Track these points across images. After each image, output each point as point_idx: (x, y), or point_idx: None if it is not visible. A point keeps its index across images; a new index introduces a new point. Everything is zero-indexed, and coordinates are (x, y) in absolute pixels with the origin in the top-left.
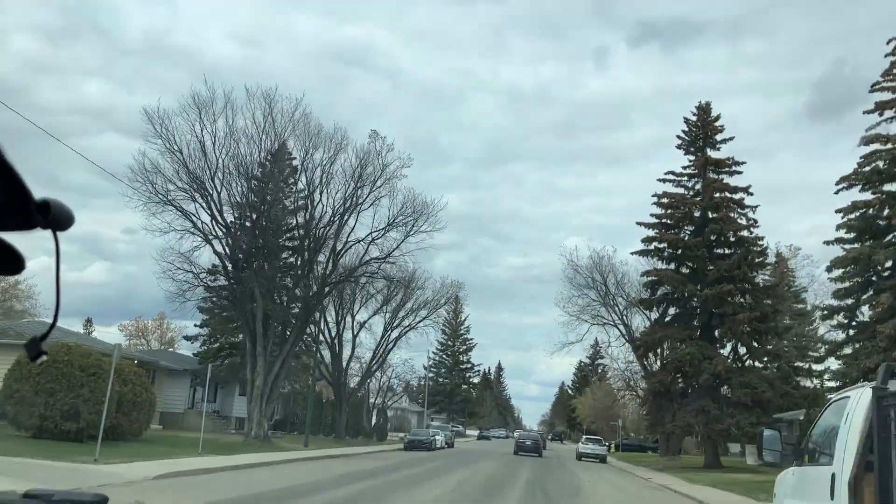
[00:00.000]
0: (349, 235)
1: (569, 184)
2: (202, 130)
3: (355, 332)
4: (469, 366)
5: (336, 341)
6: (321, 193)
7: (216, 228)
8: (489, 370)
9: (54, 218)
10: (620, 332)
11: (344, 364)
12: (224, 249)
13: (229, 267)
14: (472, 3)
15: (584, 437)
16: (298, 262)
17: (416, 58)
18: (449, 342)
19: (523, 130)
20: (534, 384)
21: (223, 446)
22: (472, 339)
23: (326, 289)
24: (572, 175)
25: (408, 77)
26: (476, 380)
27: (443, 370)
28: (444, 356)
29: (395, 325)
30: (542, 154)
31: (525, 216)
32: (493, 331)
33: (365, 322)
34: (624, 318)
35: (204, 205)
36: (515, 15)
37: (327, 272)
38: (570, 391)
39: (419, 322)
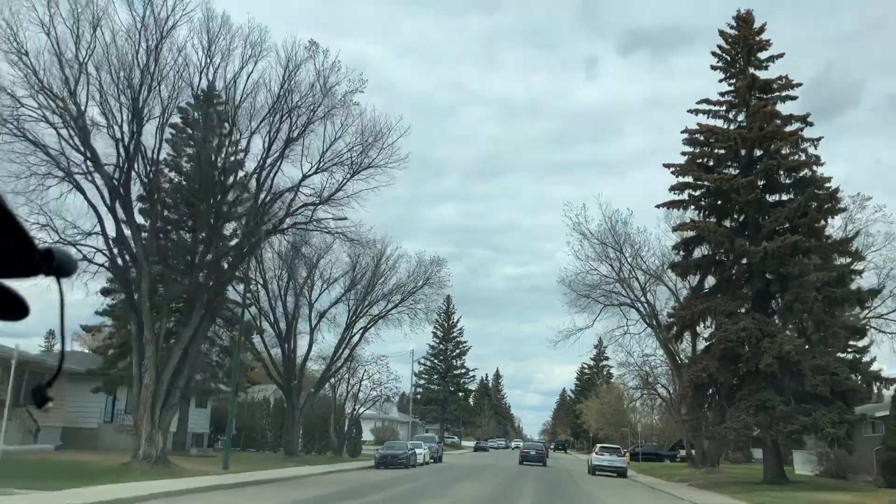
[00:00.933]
0: (275, 178)
1: (563, 193)
2: (52, 17)
3: (314, 324)
4: (463, 371)
5: (290, 335)
6: (232, 117)
7: (85, 164)
8: (487, 377)
9: (58, 265)
10: (640, 311)
11: (298, 363)
12: (101, 194)
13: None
14: (462, 16)
15: (599, 446)
16: (204, 211)
17: (409, 72)
18: (441, 346)
19: (516, 141)
20: (534, 393)
21: (90, 472)
22: (465, 343)
23: (247, 247)
24: (566, 185)
25: (400, 91)
26: (472, 386)
27: (434, 376)
28: (436, 361)
29: (360, 312)
30: (535, 164)
31: (520, 227)
32: (492, 341)
33: (325, 312)
34: (645, 294)
35: (67, 132)
36: (505, 27)
37: (248, 226)
38: (571, 397)
39: (391, 309)
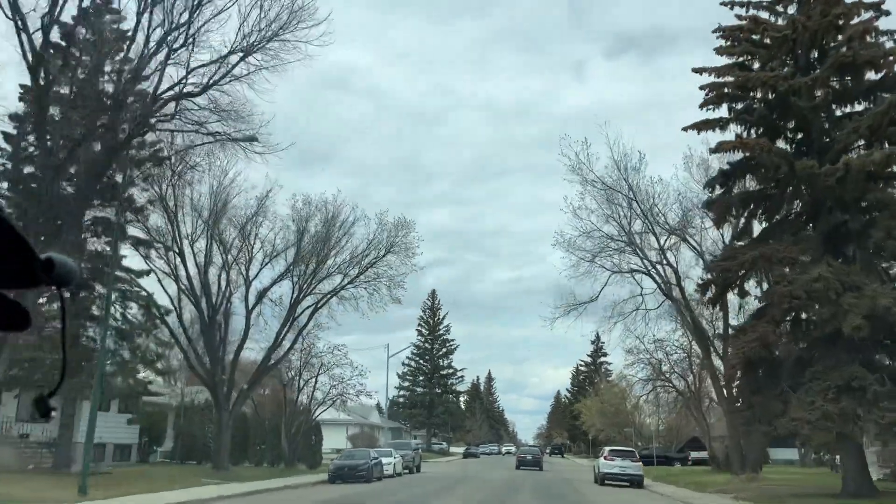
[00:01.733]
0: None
1: (554, 197)
2: None
3: (251, 306)
4: (450, 371)
5: (215, 318)
6: None
7: None
8: (478, 379)
9: (58, 274)
10: (656, 280)
11: (230, 353)
12: None
13: None
14: (451, 21)
15: (609, 450)
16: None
17: (398, 77)
18: (426, 344)
19: (507, 145)
20: (528, 397)
21: None
22: (452, 341)
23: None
24: (558, 187)
25: (390, 97)
26: (461, 387)
27: (420, 378)
28: (421, 361)
29: (308, 288)
30: (526, 168)
31: (512, 230)
32: (485, 345)
33: (267, 290)
34: (664, 256)
35: None
36: (494, 31)
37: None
38: (567, 399)
39: (347, 284)
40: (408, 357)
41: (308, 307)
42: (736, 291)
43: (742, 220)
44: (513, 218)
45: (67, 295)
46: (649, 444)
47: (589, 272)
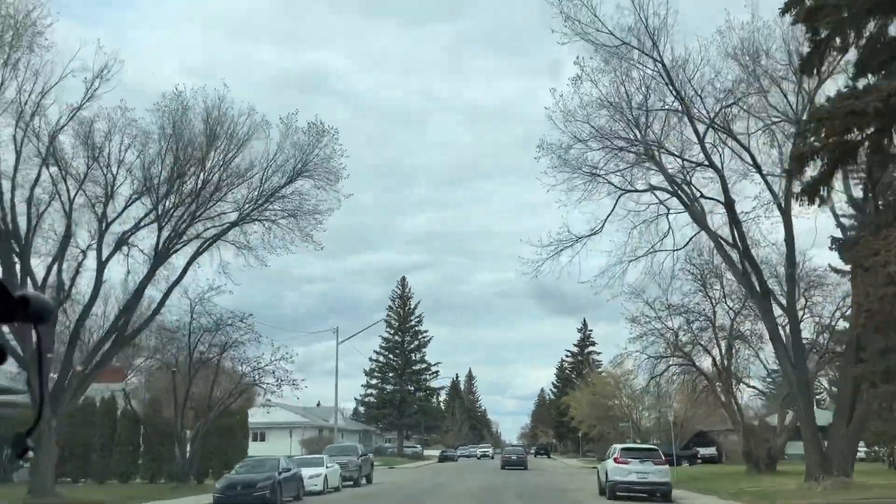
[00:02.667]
0: None
1: (535, 199)
2: None
3: (105, 257)
4: (423, 366)
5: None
6: None
7: None
8: (458, 377)
9: (34, 311)
10: (684, 200)
11: (68, 326)
12: None
13: None
14: (426, 24)
15: (621, 448)
16: None
17: (376, 81)
18: (395, 337)
19: (488, 147)
20: (511, 399)
21: None
22: (426, 333)
23: None
24: (538, 190)
25: (369, 101)
26: (435, 384)
27: (389, 374)
28: (391, 356)
29: (187, 225)
30: (507, 170)
31: (495, 232)
32: (468, 348)
33: (129, 235)
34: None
35: None
36: (471, 33)
37: None
38: (553, 394)
39: (244, 221)
40: (376, 351)
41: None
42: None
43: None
44: (495, 220)
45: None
46: (648, 439)
47: (588, 193)
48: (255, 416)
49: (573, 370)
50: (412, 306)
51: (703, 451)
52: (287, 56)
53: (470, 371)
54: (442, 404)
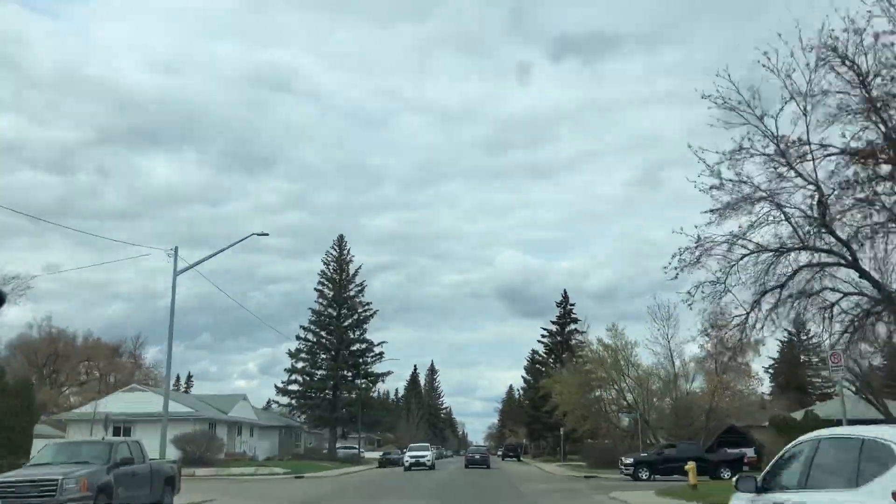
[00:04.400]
0: None
1: (501, 199)
2: None
3: None
4: (364, 346)
5: None
6: None
7: None
8: (416, 370)
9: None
10: None
11: None
12: None
13: None
14: (393, 24)
15: None
16: None
17: (341, 80)
18: (329, 310)
19: (453, 149)
20: (478, 400)
21: None
22: (369, 305)
23: None
24: (504, 191)
25: (334, 100)
26: (379, 368)
27: (321, 356)
28: (323, 334)
29: None
30: (473, 171)
31: (460, 234)
32: (435, 349)
33: None
34: None
35: None
36: (437, 34)
37: None
38: (524, 384)
39: None
40: (304, 327)
41: None
42: None
43: None
44: (460, 222)
45: None
46: (657, 438)
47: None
48: (116, 403)
49: (550, 353)
50: (350, 273)
51: (733, 451)
52: (252, 53)
53: (432, 364)
54: (400, 400)
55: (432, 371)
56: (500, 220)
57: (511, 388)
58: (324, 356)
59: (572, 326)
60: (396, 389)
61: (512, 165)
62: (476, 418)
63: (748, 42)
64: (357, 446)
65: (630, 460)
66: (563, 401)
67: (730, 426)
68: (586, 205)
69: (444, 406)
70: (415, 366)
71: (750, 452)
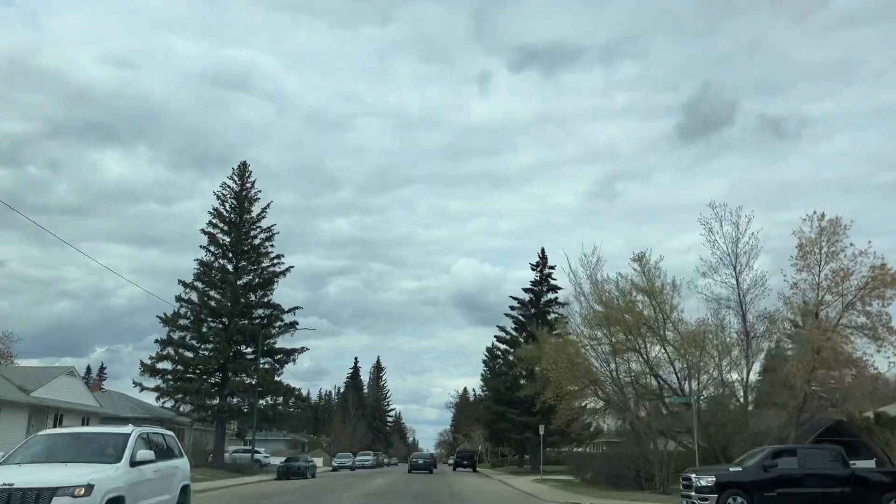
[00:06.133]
0: None
1: (459, 207)
2: None
3: None
4: (269, 314)
5: None
6: None
7: None
8: (357, 364)
9: None
10: None
11: None
12: None
13: None
14: (354, 27)
15: None
16: None
17: (301, 82)
18: (223, 260)
19: (412, 154)
20: (430, 407)
21: None
22: (279, 260)
23: None
24: (461, 198)
25: (292, 101)
26: (288, 342)
27: (208, 325)
28: (212, 294)
29: None
30: (431, 178)
31: (417, 240)
32: (388, 356)
33: None
34: None
35: None
36: (399, 40)
37: None
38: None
39: None
40: (184, 283)
41: None
42: None
43: None
44: (418, 228)
45: None
46: (724, 447)
47: None
48: None
49: (521, 330)
50: (255, 213)
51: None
52: (211, 50)
53: (378, 361)
54: (337, 398)
55: (378, 369)
56: (458, 227)
57: (465, 390)
58: (213, 325)
59: (551, 296)
60: (293, 358)
61: (470, 173)
62: (429, 426)
63: (702, 60)
64: (265, 451)
65: (708, 480)
66: (552, 372)
67: (835, 422)
68: (543, 215)
69: (390, 408)
70: (356, 359)
71: (872, 464)
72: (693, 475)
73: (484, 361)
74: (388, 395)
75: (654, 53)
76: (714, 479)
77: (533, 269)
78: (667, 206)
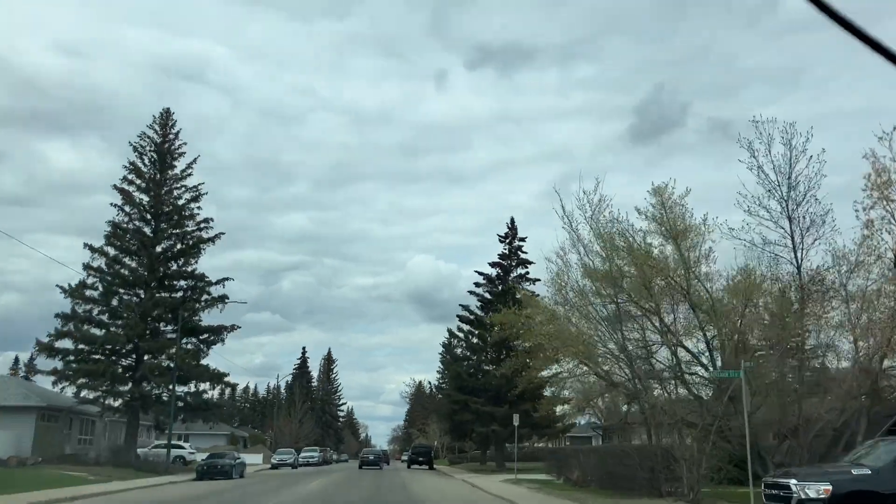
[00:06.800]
0: None
1: (414, 204)
2: None
3: None
4: (193, 286)
5: None
6: None
7: None
8: (305, 354)
9: None
10: None
11: None
12: None
13: None
14: (311, 20)
15: None
16: None
17: (256, 74)
18: (141, 222)
19: (368, 150)
20: (384, 404)
21: None
22: (206, 225)
23: None
24: (418, 195)
25: (247, 94)
26: (214, 317)
27: (120, 294)
28: (126, 262)
29: None
30: (387, 174)
31: (373, 236)
32: (343, 351)
33: None
34: None
35: None
36: (356, 34)
37: None
38: (435, 384)
39: None
40: (92, 248)
41: None
42: None
43: None
44: (373, 224)
45: None
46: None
47: None
48: None
49: (487, 308)
50: (180, 169)
51: None
52: (164, 41)
53: (329, 353)
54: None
55: (329, 361)
56: (414, 224)
57: (420, 384)
58: (126, 298)
59: (520, 271)
60: (222, 337)
61: (427, 170)
62: (382, 422)
63: (657, 63)
64: (188, 445)
65: (820, 489)
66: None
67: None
68: (499, 213)
69: (342, 402)
70: (303, 348)
71: None
72: (793, 481)
73: (442, 352)
74: (340, 388)
75: (609, 55)
76: (829, 486)
77: (501, 241)
78: (622, 207)
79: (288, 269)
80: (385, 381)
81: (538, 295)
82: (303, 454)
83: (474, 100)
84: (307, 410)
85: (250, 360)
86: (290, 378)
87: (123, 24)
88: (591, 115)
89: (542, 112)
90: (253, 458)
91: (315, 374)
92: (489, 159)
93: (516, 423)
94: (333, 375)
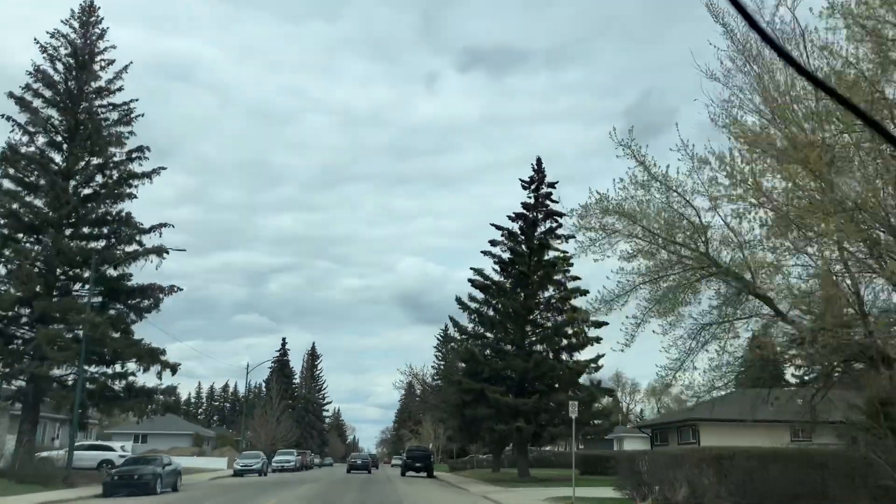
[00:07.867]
0: None
1: (403, 206)
2: None
3: None
4: (118, 229)
5: None
6: None
7: None
8: (285, 345)
9: None
10: None
11: None
12: None
13: None
14: (302, 22)
15: None
16: None
17: (246, 74)
18: (53, 136)
19: (357, 152)
20: (372, 406)
21: None
22: (145, 154)
23: None
24: (406, 197)
25: (237, 95)
26: (154, 263)
27: (14, 239)
28: (20, 196)
29: None
30: (376, 176)
31: (361, 238)
32: (332, 354)
33: None
34: None
35: None
36: (347, 36)
37: None
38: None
39: None
40: None
41: None
42: None
43: None
44: (362, 226)
45: None
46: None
47: None
48: None
49: (508, 270)
50: (104, 81)
51: None
52: (153, 40)
53: (313, 347)
54: (259, 387)
55: (313, 356)
56: (403, 226)
57: (411, 384)
58: (23, 244)
59: (549, 224)
60: (168, 292)
61: (416, 172)
62: (371, 425)
63: (645, 67)
64: (113, 447)
65: None
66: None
67: None
68: (487, 215)
69: (327, 402)
70: (283, 339)
71: None
72: None
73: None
74: (325, 387)
75: (597, 59)
76: None
77: (525, 188)
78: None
79: (276, 270)
80: (373, 383)
81: (571, 256)
82: (276, 458)
83: (463, 102)
84: (286, 408)
85: (237, 362)
86: (269, 372)
87: (112, 23)
88: (579, 119)
89: (530, 115)
90: (215, 463)
91: (297, 369)
92: (477, 162)
93: (574, 414)
94: (318, 372)
